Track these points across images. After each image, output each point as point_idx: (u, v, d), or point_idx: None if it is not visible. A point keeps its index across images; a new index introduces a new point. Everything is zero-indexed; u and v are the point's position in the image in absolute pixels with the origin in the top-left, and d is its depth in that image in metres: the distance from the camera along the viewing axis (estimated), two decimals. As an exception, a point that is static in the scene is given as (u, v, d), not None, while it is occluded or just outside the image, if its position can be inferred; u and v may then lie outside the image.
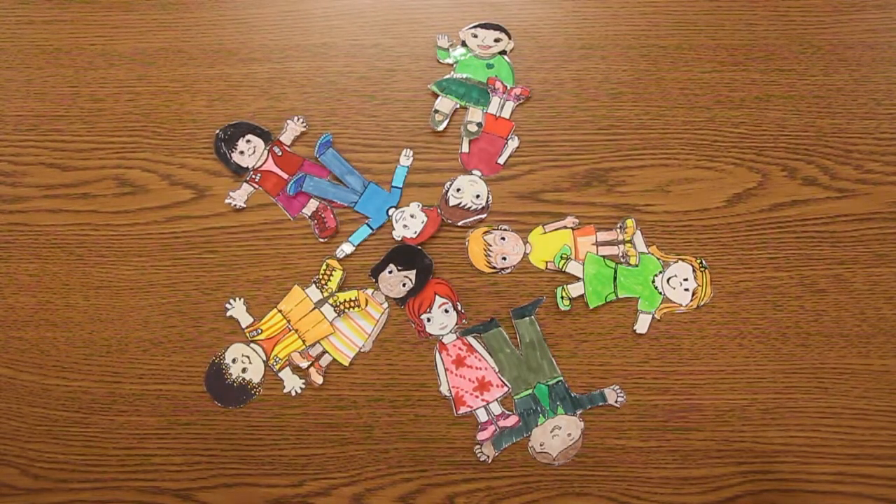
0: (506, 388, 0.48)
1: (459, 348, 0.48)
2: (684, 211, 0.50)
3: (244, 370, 0.48)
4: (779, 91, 0.52)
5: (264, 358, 0.49)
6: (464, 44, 0.52)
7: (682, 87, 0.52)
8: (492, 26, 0.52)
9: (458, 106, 0.51)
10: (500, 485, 0.47)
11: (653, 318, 0.49)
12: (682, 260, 0.49)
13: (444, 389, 0.48)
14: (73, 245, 0.50)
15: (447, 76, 0.52)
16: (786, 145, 0.51)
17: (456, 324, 0.49)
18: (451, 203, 0.50)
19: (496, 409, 0.48)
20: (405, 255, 0.49)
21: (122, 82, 0.52)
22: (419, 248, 0.49)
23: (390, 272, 0.49)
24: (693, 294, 0.49)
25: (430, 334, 0.49)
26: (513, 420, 0.48)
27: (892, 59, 0.53)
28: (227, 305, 0.49)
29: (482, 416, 0.48)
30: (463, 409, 0.48)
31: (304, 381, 0.48)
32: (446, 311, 0.49)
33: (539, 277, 0.49)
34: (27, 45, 0.53)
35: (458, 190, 0.50)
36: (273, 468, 0.48)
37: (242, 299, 0.49)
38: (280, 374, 0.48)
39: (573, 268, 0.49)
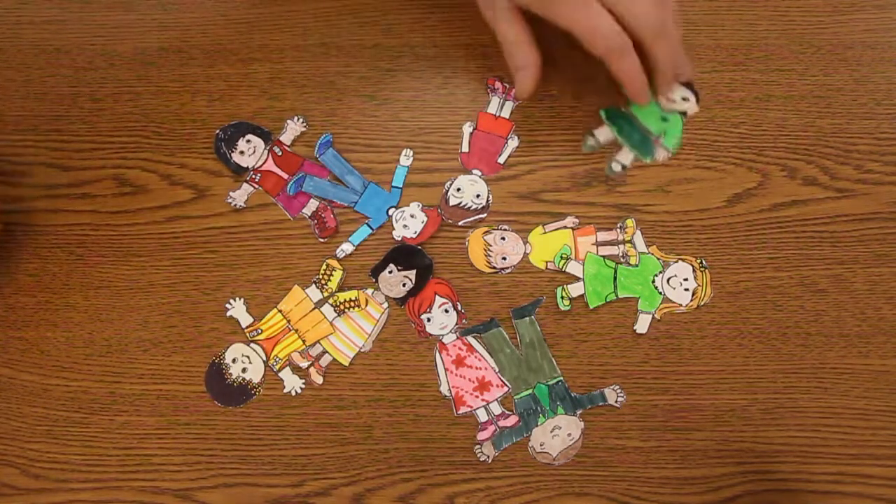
0: (506, 388, 0.48)
1: (459, 348, 0.48)
2: (684, 211, 0.50)
3: (244, 370, 0.48)
4: (779, 91, 0.52)
5: (264, 358, 0.49)
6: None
7: (682, 87, 0.52)
8: (686, 84, 0.50)
9: (614, 139, 0.49)
10: (500, 485, 0.47)
11: (653, 318, 0.49)
12: (682, 260, 0.49)
13: (444, 389, 0.48)
14: (73, 245, 0.50)
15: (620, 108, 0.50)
16: (786, 145, 0.51)
17: (456, 324, 0.49)
18: (451, 203, 0.50)
19: (496, 409, 0.48)
20: (405, 255, 0.49)
21: (122, 82, 0.52)
22: (419, 248, 0.49)
23: (390, 272, 0.49)
24: (693, 294, 0.49)
25: (430, 334, 0.49)
26: (513, 420, 0.48)
27: (892, 59, 0.53)
28: (227, 305, 0.49)
29: (482, 416, 0.48)
30: (463, 409, 0.48)
31: (304, 381, 0.48)
32: (446, 311, 0.49)
33: (539, 277, 0.49)
34: (27, 45, 0.53)
35: (459, 190, 0.50)
36: (273, 468, 0.48)
37: (242, 299, 0.49)
38: (280, 374, 0.48)
39: (573, 268, 0.49)
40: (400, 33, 0.53)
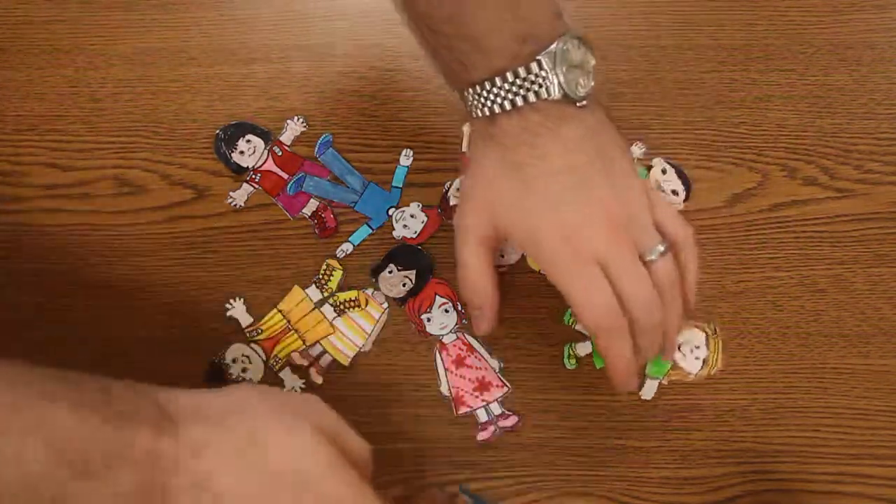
0: (506, 388, 0.48)
1: (459, 348, 0.48)
2: (684, 211, 0.50)
3: (244, 370, 0.48)
4: (779, 91, 0.52)
5: (264, 358, 0.49)
6: (648, 168, 0.50)
7: (682, 88, 0.52)
8: (684, 177, 0.50)
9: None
10: (500, 485, 0.47)
11: (660, 384, 0.48)
12: (695, 327, 0.48)
13: (444, 389, 0.48)
14: (73, 245, 0.50)
15: None
16: (786, 145, 0.51)
17: (456, 324, 0.49)
18: (451, 203, 0.50)
19: (496, 409, 0.48)
20: (405, 255, 0.49)
21: (122, 82, 0.52)
22: (419, 248, 0.49)
23: (390, 272, 0.49)
24: (704, 363, 0.48)
25: (430, 334, 0.49)
26: (513, 420, 0.48)
27: (892, 59, 0.53)
28: (227, 306, 0.49)
29: (482, 417, 0.48)
30: (463, 410, 0.48)
31: (303, 381, 0.48)
32: (446, 310, 0.49)
33: (540, 279, 0.49)
34: (27, 45, 0.52)
35: (459, 190, 0.50)
36: (273, 468, 0.47)
37: (242, 299, 0.49)
38: (280, 374, 0.48)
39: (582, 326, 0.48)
40: (400, 33, 0.53)
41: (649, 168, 0.50)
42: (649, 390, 0.48)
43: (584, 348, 0.48)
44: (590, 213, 0.36)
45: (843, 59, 0.53)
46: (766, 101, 0.52)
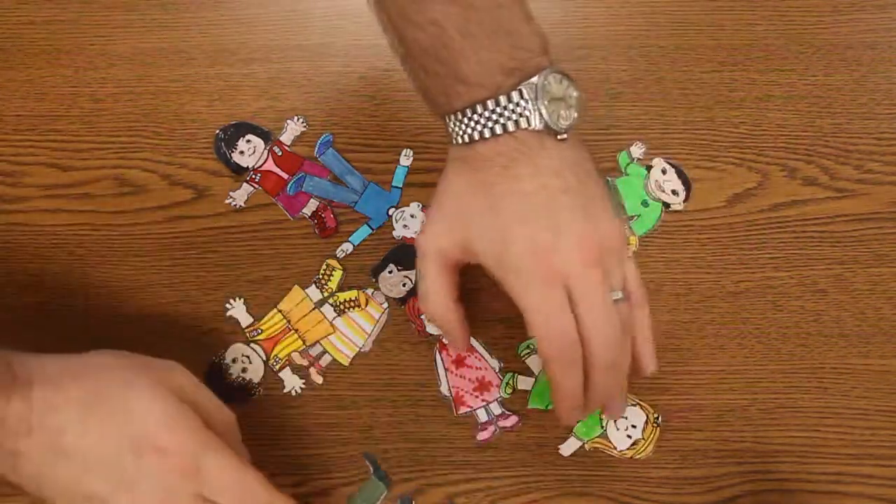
0: (506, 388, 0.48)
1: (459, 348, 0.48)
2: (684, 211, 0.50)
3: (244, 370, 0.48)
4: (779, 91, 0.52)
5: (264, 358, 0.49)
6: (648, 168, 0.50)
7: (682, 88, 0.52)
8: (684, 177, 0.50)
9: None
10: (500, 485, 0.47)
11: (582, 446, 0.47)
12: (641, 406, 0.48)
13: (444, 389, 0.48)
14: (73, 245, 0.50)
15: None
16: (786, 145, 0.51)
17: (456, 324, 0.49)
18: (451, 203, 0.50)
19: (496, 409, 0.48)
20: (405, 255, 0.49)
21: (122, 82, 0.52)
22: (419, 248, 0.49)
23: (390, 272, 0.49)
24: (633, 444, 0.47)
25: (430, 334, 0.49)
26: (513, 420, 0.48)
27: (892, 59, 0.53)
28: (227, 305, 0.49)
29: (482, 416, 0.48)
30: (463, 410, 0.48)
31: (304, 381, 0.48)
32: (446, 311, 0.49)
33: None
34: (27, 45, 0.52)
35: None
36: (273, 468, 0.47)
37: (242, 299, 0.49)
38: (280, 374, 0.48)
39: (533, 362, 0.48)
40: (400, 33, 0.53)
41: (649, 168, 0.50)
42: (568, 448, 0.47)
43: (525, 383, 0.48)
44: (562, 235, 0.35)
45: (843, 59, 0.53)
46: (766, 101, 0.52)
